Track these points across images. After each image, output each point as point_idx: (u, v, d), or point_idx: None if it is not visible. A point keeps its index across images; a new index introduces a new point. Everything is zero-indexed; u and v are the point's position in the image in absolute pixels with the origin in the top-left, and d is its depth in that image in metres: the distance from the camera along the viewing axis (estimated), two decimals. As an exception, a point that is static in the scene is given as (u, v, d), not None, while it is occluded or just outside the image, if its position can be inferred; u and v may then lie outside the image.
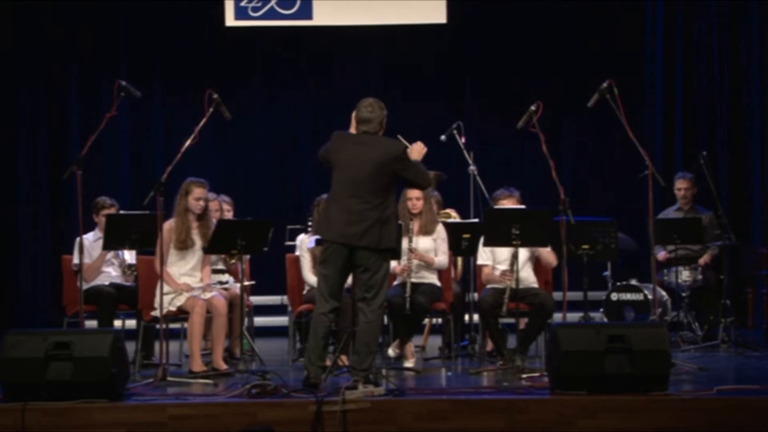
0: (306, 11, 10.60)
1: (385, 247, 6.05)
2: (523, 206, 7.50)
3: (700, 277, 8.41)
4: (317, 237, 6.80)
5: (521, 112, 7.09)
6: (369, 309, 6.04)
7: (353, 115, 6.22)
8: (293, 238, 8.12)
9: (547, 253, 7.28)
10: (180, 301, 6.95)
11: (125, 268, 7.68)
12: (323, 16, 10.59)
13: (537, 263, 7.39)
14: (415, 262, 7.25)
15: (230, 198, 8.15)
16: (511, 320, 7.16)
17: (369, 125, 6.14)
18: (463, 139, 8.46)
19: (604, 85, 6.82)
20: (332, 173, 6.16)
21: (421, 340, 8.27)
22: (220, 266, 7.57)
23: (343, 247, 6.02)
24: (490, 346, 7.41)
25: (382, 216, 6.02)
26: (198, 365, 6.79)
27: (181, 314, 7.02)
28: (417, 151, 6.36)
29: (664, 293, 8.49)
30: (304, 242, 7.50)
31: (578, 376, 5.62)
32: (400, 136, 6.67)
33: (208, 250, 7.02)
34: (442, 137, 8.55)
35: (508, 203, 7.43)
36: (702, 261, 8.50)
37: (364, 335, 6.05)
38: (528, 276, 7.27)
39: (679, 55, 10.45)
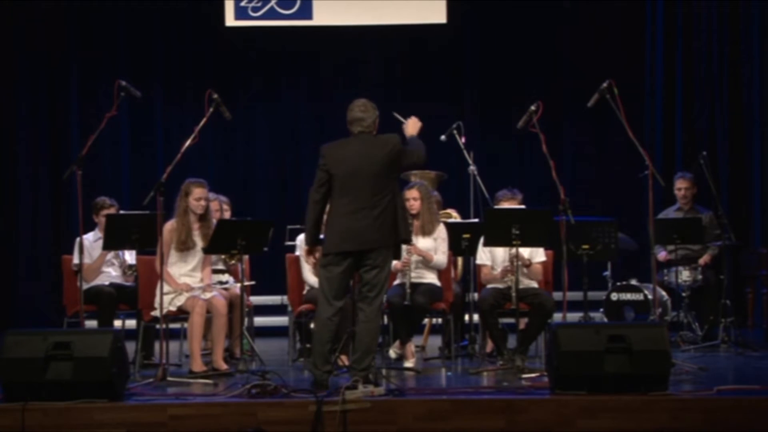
0: (306, 11, 10.60)
1: (403, 238, 6.11)
2: (523, 206, 7.51)
3: (700, 277, 8.41)
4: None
5: (521, 112, 7.09)
6: (370, 308, 6.03)
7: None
8: (293, 238, 8.12)
9: (537, 270, 7.29)
10: (180, 301, 6.95)
11: (125, 268, 7.68)
12: (323, 16, 10.60)
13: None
14: (414, 257, 7.26)
15: (228, 198, 8.14)
16: (511, 320, 7.16)
17: (363, 124, 6.12)
18: (463, 139, 8.46)
19: (604, 85, 6.82)
20: (332, 183, 6.06)
21: (421, 340, 8.27)
22: (220, 266, 7.57)
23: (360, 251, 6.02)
24: (490, 346, 7.41)
25: (396, 210, 6.03)
26: (198, 365, 6.79)
27: (181, 314, 7.02)
28: (412, 125, 6.33)
29: (664, 293, 8.49)
30: (305, 242, 7.49)
31: (578, 376, 5.61)
32: (395, 113, 6.67)
33: (207, 250, 7.02)
34: (442, 137, 8.55)
35: (509, 205, 7.43)
36: (702, 261, 8.50)
37: (365, 335, 6.04)
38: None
39: (679, 56, 10.45)
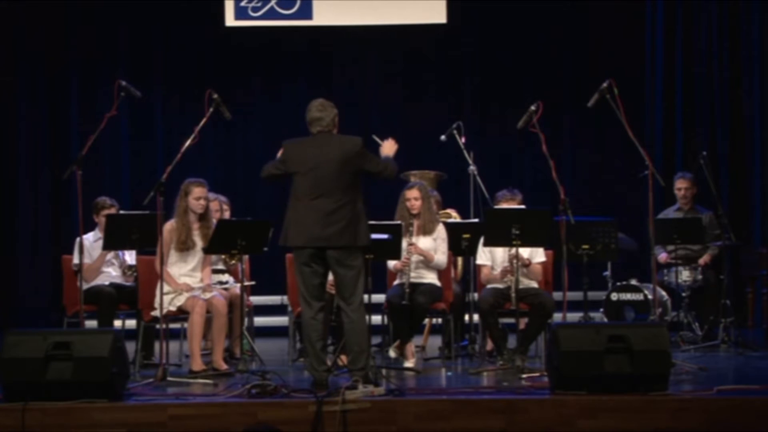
0: (306, 11, 10.60)
1: (361, 244, 6.10)
2: (523, 206, 7.51)
3: (700, 277, 8.41)
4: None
5: (521, 112, 7.09)
6: (350, 308, 6.09)
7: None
8: (293, 238, 8.10)
9: (537, 270, 7.28)
10: (180, 301, 6.96)
11: (125, 268, 7.68)
12: (323, 16, 10.59)
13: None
14: (414, 257, 7.26)
15: (227, 198, 8.13)
16: (511, 320, 7.16)
17: (321, 123, 6.23)
18: (463, 139, 8.46)
19: (604, 85, 6.82)
20: (293, 179, 6.18)
21: (421, 340, 8.27)
22: (220, 266, 7.57)
23: (316, 248, 6.05)
24: (490, 346, 7.41)
25: (355, 213, 6.07)
26: (198, 365, 6.79)
27: (181, 314, 7.02)
28: (388, 147, 6.45)
29: (664, 293, 8.49)
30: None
31: (578, 376, 5.62)
32: (374, 136, 6.70)
33: (207, 250, 7.02)
34: (442, 137, 8.56)
35: (509, 205, 7.42)
36: (702, 261, 8.50)
37: (353, 335, 6.10)
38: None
39: (679, 55, 10.44)
